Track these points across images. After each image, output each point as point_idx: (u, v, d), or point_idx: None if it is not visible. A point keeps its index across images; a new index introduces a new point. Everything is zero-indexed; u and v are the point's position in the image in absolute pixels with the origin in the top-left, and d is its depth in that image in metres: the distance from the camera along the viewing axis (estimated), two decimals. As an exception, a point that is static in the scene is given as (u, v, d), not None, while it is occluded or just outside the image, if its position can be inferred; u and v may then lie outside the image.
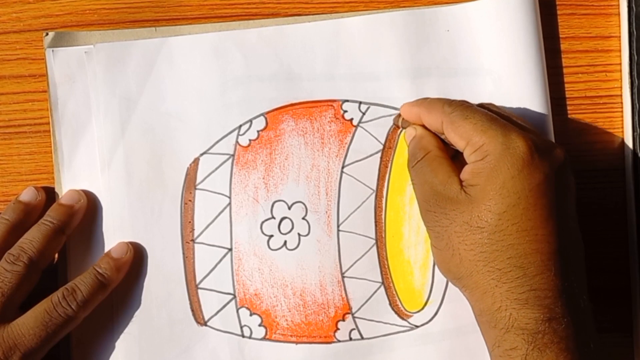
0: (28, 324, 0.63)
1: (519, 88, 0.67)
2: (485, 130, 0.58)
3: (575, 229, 0.60)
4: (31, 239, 0.65)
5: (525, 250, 0.56)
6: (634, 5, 0.68)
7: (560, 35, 0.70)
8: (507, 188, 0.56)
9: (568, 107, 0.70)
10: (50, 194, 0.69)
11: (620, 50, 0.70)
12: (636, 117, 0.68)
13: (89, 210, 0.69)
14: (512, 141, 0.57)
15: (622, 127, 0.70)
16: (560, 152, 0.59)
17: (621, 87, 0.70)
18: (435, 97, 0.66)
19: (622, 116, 0.70)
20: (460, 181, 0.59)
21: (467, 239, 0.58)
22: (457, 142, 0.60)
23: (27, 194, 0.68)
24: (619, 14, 0.70)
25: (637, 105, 0.68)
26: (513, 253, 0.56)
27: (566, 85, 0.70)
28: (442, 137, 0.63)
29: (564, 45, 0.70)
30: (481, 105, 0.63)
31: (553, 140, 0.66)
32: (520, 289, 0.56)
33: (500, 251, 0.57)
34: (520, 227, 0.56)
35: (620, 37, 0.70)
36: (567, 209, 0.59)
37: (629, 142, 0.69)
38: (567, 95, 0.70)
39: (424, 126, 0.64)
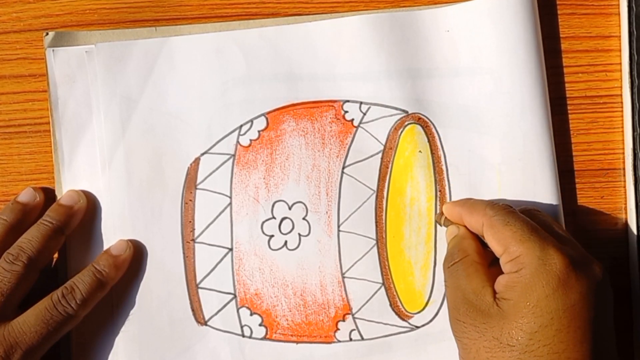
0: (29, 322, 0.63)
1: (519, 87, 0.67)
2: (524, 240, 0.57)
3: (611, 350, 0.58)
4: (30, 238, 0.65)
5: None
6: (634, 5, 0.68)
7: (560, 35, 0.70)
8: (540, 307, 0.55)
9: (568, 107, 0.70)
10: (50, 194, 0.69)
11: (620, 50, 0.70)
12: (636, 117, 0.68)
13: (89, 210, 0.69)
14: (550, 256, 0.56)
15: (622, 127, 0.70)
16: (598, 269, 0.57)
17: (621, 87, 0.70)
18: (479, 199, 0.65)
19: (622, 116, 0.70)
20: (494, 292, 0.58)
21: (496, 355, 0.56)
22: (495, 247, 0.59)
23: (26, 195, 0.68)
24: (619, 14, 0.70)
25: (637, 105, 0.68)
26: None
27: (566, 85, 0.70)
28: (483, 239, 0.62)
29: (564, 45, 0.70)
30: (525, 210, 0.62)
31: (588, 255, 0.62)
32: None
33: None
34: (552, 349, 0.55)
35: (620, 36, 0.70)
36: (602, 329, 0.57)
37: (629, 141, 0.69)
38: (567, 95, 0.70)
39: (465, 227, 0.64)
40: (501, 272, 0.59)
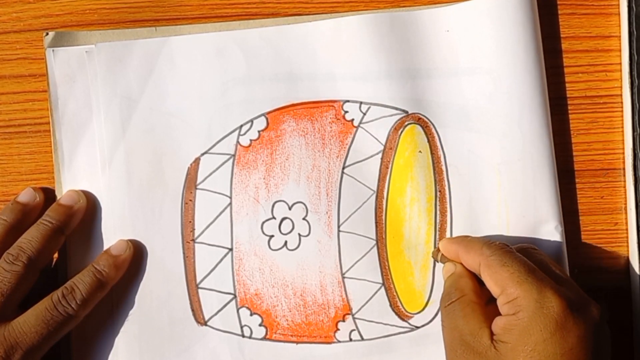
0: (29, 322, 0.63)
1: (519, 87, 0.67)
2: (521, 282, 0.57)
3: None
4: (30, 238, 0.65)
5: None
6: (634, 5, 0.68)
7: (561, 35, 0.70)
8: (538, 351, 0.55)
9: (568, 107, 0.70)
10: (50, 194, 0.69)
11: (620, 50, 0.70)
12: (636, 117, 0.68)
13: (89, 210, 0.69)
14: (547, 299, 0.56)
15: (622, 127, 0.70)
16: (595, 311, 0.57)
17: (621, 87, 0.70)
18: (476, 236, 0.65)
19: (622, 116, 0.70)
20: (491, 333, 0.58)
21: None
22: (493, 287, 0.59)
23: (25, 195, 0.68)
24: (619, 14, 0.70)
25: (637, 105, 0.68)
26: None
27: (566, 85, 0.70)
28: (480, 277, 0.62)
29: (564, 45, 0.70)
30: (522, 249, 0.62)
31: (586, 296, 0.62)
32: None
33: None
34: None
35: (620, 36, 0.70)
36: None
37: (629, 141, 0.69)
38: (567, 95, 0.70)
39: (462, 264, 0.63)
40: (498, 310, 0.59)
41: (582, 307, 0.57)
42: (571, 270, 0.67)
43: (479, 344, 0.58)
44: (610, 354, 0.58)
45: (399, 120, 0.68)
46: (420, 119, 0.68)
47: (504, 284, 0.58)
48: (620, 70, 0.70)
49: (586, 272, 0.69)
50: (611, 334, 0.58)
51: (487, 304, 0.61)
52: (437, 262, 0.67)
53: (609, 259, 0.69)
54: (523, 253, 0.61)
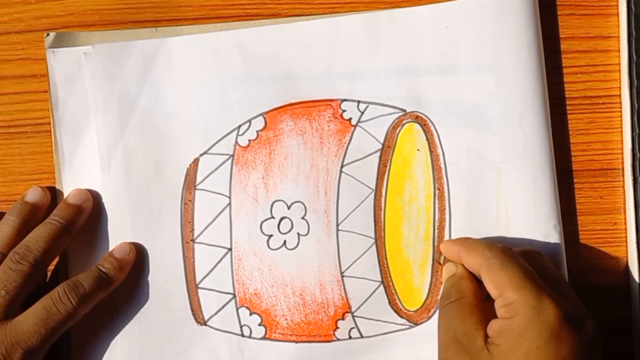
0: (28, 321, 0.63)
1: (521, 85, 0.67)
2: (520, 287, 0.57)
3: None
4: (37, 238, 0.65)
5: None
6: (633, 6, 0.68)
7: (560, 36, 0.70)
8: (530, 357, 0.55)
9: (568, 107, 0.70)
10: (51, 194, 0.69)
11: (619, 51, 0.70)
12: (635, 117, 0.68)
13: (91, 209, 0.69)
14: (544, 307, 0.56)
15: (621, 127, 0.70)
16: (591, 325, 0.57)
17: (620, 87, 0.70)
18: (477, 238, 0.65)
19: (621, 116, 0.70)
20: (486, 336, 0.58)
21: None
22: (491, 290, 0.59)
23: (34, 195, 0.68)
24: (618, 14, 0.70)
25: (636, 105, 0.68)
26: None
27: (566, 85, 0.70)
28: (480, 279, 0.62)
29: (563, 45, 0.70)
30: (524, 253, 0.62)
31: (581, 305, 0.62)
32: None
33: None
34: None
35: (619, 37, 0.70)
36: None
37: (628, 142, 0.69)
38: (566, 95, 0.70)
39: (463, 265, 0.64)
40: (494, 311, 0.59)
41: (579, 320, 0.57)
42: (570, 270, 0.67)
43: (472, 345, 0.58)
44: None
45: (397, 118, 0.68)
46: (418, 117, 0.68)
47: (503, 287, 0.58)
48: (619, 71, 0.70)
49: (585, 272, 0.69)
50: (610, 337, 0.58)
51: (485, 302, 0.61)
52: (440, 263, 0.67)
53: (607, 259, 0.69)
54: (526, 257, 0.61)
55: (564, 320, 0.55)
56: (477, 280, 0.62)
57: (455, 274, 0.63)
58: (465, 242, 0.64)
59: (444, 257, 0.66)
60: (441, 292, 0.64)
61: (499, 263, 0.59)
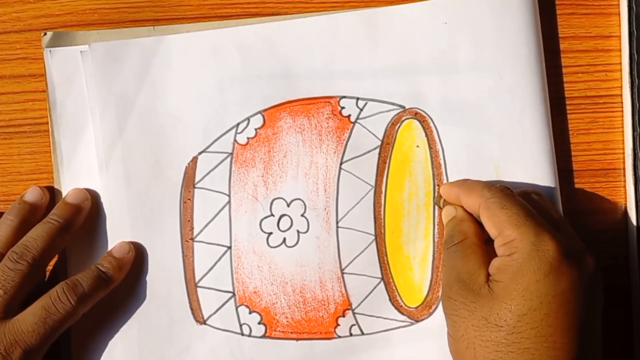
0: (27, 321, 0.63)
1: (521, 84, 0.67)
2: (519, 225, 0.57)
3: (597, 341, 0.58)
4: (36, 237, 0.65)
5: (541, 356, 0.55)
6: (634, 5, 0.68)
7: (560, 35, 0.70)
8: (530, 291, 0.55)
9: (568, 107, 0.70)
10: (50, 193, 0.69)
11: (620, 50, 0.70)
12: (636, 117, 0.68)
13: (90, 209, 0.69)
14: (543, 243, 0.56)
15: (622, 127, 0.70)
16: (590, 261, 0.58)
17: (621, 87, 0.70)
18: (476, 179, 0.65)
19: (622, 116, 0.70)
20: (488, 274, 0.59)
21: (483, 334, 0.57)
22: (490, 229, 0.60)
23: (33, 194, 0.68)
24: (619, 14, 0.70)
25: (637, 105, 0.68)
26: (528, 357, 0.55)
27: (566, 85, 0.70)
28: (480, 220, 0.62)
29: (563, 45, 0.70)
30: (523, 193, 0.63)
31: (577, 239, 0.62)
32: None
33: (516, 353, 0.55)
34: (539, 332, 0.55)
35: (620, 36, 0.70)
36: (590, 319, 0.57)
37: (629, 141, 0.69)
38: (567, 95, 0.70)
39: (463, 207, 0.64)
40: (495, 252, 0.59)
41: (578, 256, 0.57)
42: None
43: (474, 283, 0.58)
44: (602, 303, 0.59)
45: (396, 115, 0.68)
46: (417, 113, 0.68)
47: (502, 226, 0.58)
48: (620, 70, 0.70)
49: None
50: (610, 337, 0.58)
51: (487, 245, 0.61)
52: (440, 207, 0.67)
53: (608, 259, 0.69)
54: (525, 197, 0.61)
55: (563, 255, 0.56)
56: (477, 222, 0.63)
57: (455, 216, 0.64)
58: (464, 183, 0.64)
59: (444, 200, 0.66)
60: (444, 236, 0.64)
61: (498, 202, 0.59)
